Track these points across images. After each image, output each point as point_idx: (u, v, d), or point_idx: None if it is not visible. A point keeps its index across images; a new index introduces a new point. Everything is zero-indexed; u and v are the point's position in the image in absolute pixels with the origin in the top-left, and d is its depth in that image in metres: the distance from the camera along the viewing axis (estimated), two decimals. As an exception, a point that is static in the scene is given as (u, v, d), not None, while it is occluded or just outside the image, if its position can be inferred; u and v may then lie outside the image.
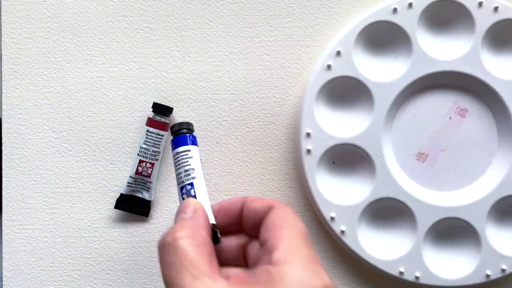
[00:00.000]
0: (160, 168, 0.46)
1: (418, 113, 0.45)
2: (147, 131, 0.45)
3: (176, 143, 0.34)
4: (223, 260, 0.33)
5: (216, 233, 0.32)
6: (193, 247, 0.29)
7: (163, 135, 0.45)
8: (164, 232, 0.31)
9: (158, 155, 0.45)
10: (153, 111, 0.46)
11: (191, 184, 0.33)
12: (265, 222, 0.32)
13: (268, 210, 0.32)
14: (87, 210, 0.47)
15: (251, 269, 0.31)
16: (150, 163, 0.45)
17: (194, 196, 0.33)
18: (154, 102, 0.46)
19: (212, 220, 0.33)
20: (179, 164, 0.34)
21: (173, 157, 0.34)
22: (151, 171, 0.45)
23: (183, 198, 0.33)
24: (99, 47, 0.47)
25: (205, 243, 0.30)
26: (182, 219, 0.32)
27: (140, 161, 0.45)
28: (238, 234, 0.34)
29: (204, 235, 0.31)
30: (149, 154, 0.45)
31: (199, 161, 0.34)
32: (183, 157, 0.34)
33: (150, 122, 0.45)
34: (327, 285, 0.29)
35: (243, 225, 0.34)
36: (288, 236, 0.30)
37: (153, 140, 0.45)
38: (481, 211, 0.44)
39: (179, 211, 0.32)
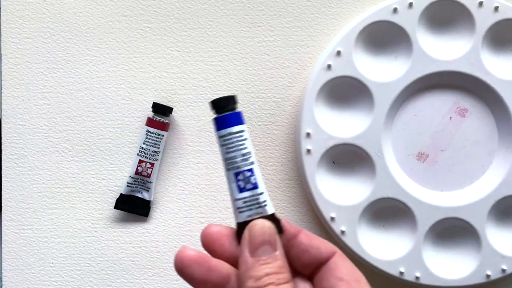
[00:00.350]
0: (160, 168, 0.46)
1: (418, 113, 0.45)
2: (147, 131, 0.45)
3: (226, 122, 0.30)
4: None
5: (279, 223, 0.30)
6: None
7: (163, 135, 0.45)
8: (248, 268, 0.29)
9: (158, 155, 0.45)
10: (153, 111, 0.45)
11: (251, 170, 0.30)
12: (331, 270, 0.31)
13: (331, 255, 0.31)
14: (87, 210, 0.47)
15: None
16: (150, 163, 0.45)
17: (255, 184, 0.30)
18: (154, 102, 0.46)
19: (272, 209, 0.30)
20: (233, 147, 0.30)
21: (222, 137, 0.30)
22: (151, 171, 0.45)
23: (239, 186, 0.30)
24: (99, 47, 0.47)
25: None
26: (272, 258, 0.29)
27: (140, 161, 0.45)
28: None
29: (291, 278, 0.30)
30: (149, 154, 0.45)
31: (251, 142, 0.31)
32: (238, 138, 0.30)
33: (150, 122, 0.45)
34: None
35: (291, 256, 0.31)
36: None
37: (153, 140, 0.45)
38: (481, 211, 0.44)
39: (260, 243, 0.29)
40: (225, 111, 0.30)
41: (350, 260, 0.32)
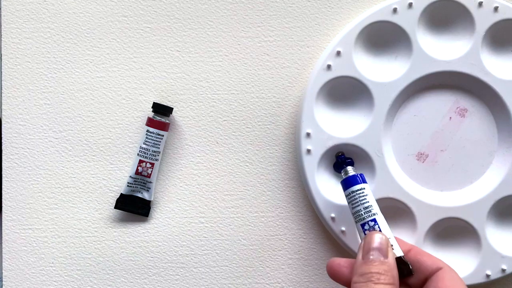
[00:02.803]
0: (160, 168, 0.46)
1: (418, 113, 0.45)
2: (147, 131, 0.45)
3: (348, 183, 0.37)
4: None
5: (408, 265, 0.35)
6: None
7: (163, 135, 0.45)
8: (357, 267, 0.34)
9: (158, 155, 0.45)
10: (153, 111, 0.45)
11: (374, 220, 0.35)
12: (434, 282, 0.34)
13: (436, 270, 0.35)
14: (87, 210, 0.47)
15: None
16: (150, 163, 0.45)
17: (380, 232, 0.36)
18: (154, 102, 0.46)
19: (400, 252, 0.35)
20: (356, 202, 0.36)
21: (347, 196, 0.37)
22: (151, 171, 0.45)
23: (365, 234, 0.35)
24: (99, 47, 0.47)
25: None
26: (379, 262, 0.34)
27: (140, 161, 0.45)
28: None
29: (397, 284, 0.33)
30: (149, 154, 0.45)
31: (373, 197, 0.36)
32: (360, 195, 0.36)
33: (150, 122, 0.45)
34: None
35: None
36: None
37: (153, 140, 0.45)
38: (481, 211, 0.44)
39: (372, 249, 0.34)
40: (346, 175, 0.38)
41: (457, 275, 0.34)
